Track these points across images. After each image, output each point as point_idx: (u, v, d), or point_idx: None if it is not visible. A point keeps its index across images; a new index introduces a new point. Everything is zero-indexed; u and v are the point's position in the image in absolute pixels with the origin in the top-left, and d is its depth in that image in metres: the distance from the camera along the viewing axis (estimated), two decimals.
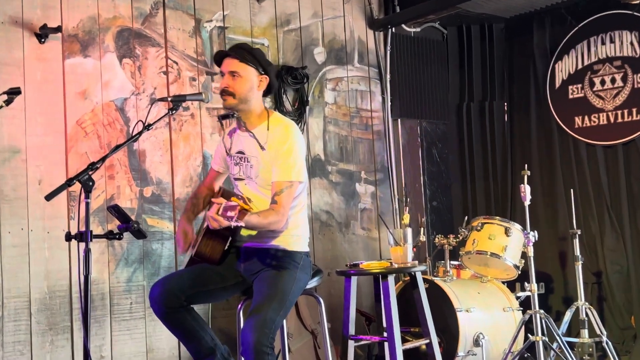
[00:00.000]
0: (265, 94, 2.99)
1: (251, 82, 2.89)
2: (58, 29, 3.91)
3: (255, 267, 2.87)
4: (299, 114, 5.00)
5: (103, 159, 2.59)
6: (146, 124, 2.69)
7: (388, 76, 5.44)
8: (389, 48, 5.44)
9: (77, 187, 2.60)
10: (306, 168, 2.91)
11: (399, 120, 5.53)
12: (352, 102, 5.31)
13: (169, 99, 2.79)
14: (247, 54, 2.91)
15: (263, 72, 2.91)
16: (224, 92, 2.87)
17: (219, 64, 2.95)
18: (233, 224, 2.49)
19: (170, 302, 2.80)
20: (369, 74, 5.42)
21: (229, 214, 2.48)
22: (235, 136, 3.01)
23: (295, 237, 2.91)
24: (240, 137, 2.98)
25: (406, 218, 4.04)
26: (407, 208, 4.30)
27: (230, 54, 2.92)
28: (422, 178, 5.62)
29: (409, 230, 3.66)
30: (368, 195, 5.30)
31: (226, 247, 2.85)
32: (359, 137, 5.32)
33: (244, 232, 2.90)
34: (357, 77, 5.37)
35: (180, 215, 3.10)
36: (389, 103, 5.46)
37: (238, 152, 2.97)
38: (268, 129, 2.88)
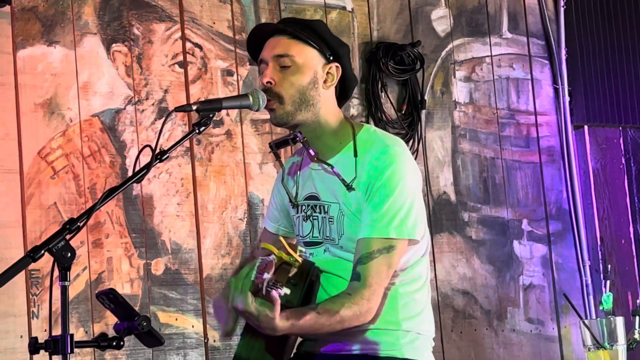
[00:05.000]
0: (340, 99, 2.99)
1: (312, 74, 2.88)
2: (5, 0, 4.03)
3: None
4: (408, 124, 4.98)
5: (88, 214, 2.59)
6: (157, 150, 2.71)
7: (564, 53, 5.38)
8: (563, 3, 5.40)
9: (43, 262, 2.61)
10: (425, 217, 2.87)
11: (586, 128, 5.45)
12: (502, 100, 5.27)
13: (195, 107, 2.81)
14: (304, 27, 2.92)
15: (332, 58, 2.92)
16: (266, 94, 2.87)
17: (256, 52, 2.97)
18: (274, 294, 2.49)
19: None
20: (528, 51, 5.36)
21: (266, 276, 2.49)
22: (302, 173, 3.01)
23: (410, 337, 2.86)
24: (311, 173, 2.97)
25: (608, 300, 3.92)
26: (609, 283, 4.18)
27: (276, 27, 2.94)
28: (631, 229, 5.51)
29: (619, 322, 3.56)
30: (536, 261, 5.21)
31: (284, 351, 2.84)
32: (515, 161, 5.26)
33: None
34: (509, 56, 5.32)
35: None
36: (567, 99, 5.39)
37: (308, 197, 2.97)
38: (356, 155, 2.87)
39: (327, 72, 2.89)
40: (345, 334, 2.80)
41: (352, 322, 2.72)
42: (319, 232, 2.92)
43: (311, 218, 2.94)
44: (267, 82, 2.84)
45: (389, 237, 2.75)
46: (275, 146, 2.97)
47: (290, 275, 2.69)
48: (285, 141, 2.95)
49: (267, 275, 2.49)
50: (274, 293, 2.51)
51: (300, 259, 2.69)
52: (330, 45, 2.91)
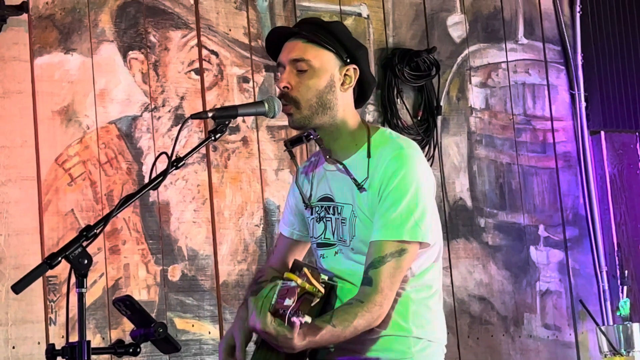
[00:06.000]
0: (358, 101, 2.99)
1: (329, 77, 2.87)
2: (22, 8, 4.05)
3: None
4: (424, 130, 4.98)
5: (105, 221, 2.60)
6: (173, 157, 2.72)
7: (580, 58, 5.36)
8: (579, 8, 5.38)
9: (61, 269, 2.61)
10: (438, 220, 2.86)
11: (602, 133, 5.43)
12: (518, 106, 5.27)
13: (211, 114, 2.81)
14: (320, 29, 2.91)
15: (349, 60, 2.91)
16: (283, 99, 2.87)
17: (275, 53, 2.96)
18: (296, 321, 2.49)
19: None
20: (544, 56, 5.36)
21: (287, 302, 2.49)
22: (316, 173, 3.00)
23: (422, 344, 2.85)
24: (325, 173, 2.97)
25: (625, 306, 3.91)
26: (626, 288, 4.17)
27: (293, 30, 2.93)
28: None
29: (635, 328, 3.55)
30: (553, 267, 5.20)
31: None
32: (531, 166, 5.25)
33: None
34: (525, 61, 5.32)
35: (238, 307, 3.10)
36: (583, 104, 5.38)
37: (322, 198, 2.96)
38: (369, 156, 2.86)
39: (345, 75, 2.87)
40: (357, 341, 2.80)
41: (365, 329, 2.72)
42: (332, 234, 2.91)
43: (324, 219, 2.93)
44: (284, 87, 2.83)
45: (402, 239, 2.73)
46: (290, 144, 2.98)
47: (312, 305, 2.68)
48: (299, 139, 2.96)
49: (288, 302, 2.48)
50: (295, 320, 2.51)
51: (323, 290, 2.67)
52: (347, 48, 2.89)
